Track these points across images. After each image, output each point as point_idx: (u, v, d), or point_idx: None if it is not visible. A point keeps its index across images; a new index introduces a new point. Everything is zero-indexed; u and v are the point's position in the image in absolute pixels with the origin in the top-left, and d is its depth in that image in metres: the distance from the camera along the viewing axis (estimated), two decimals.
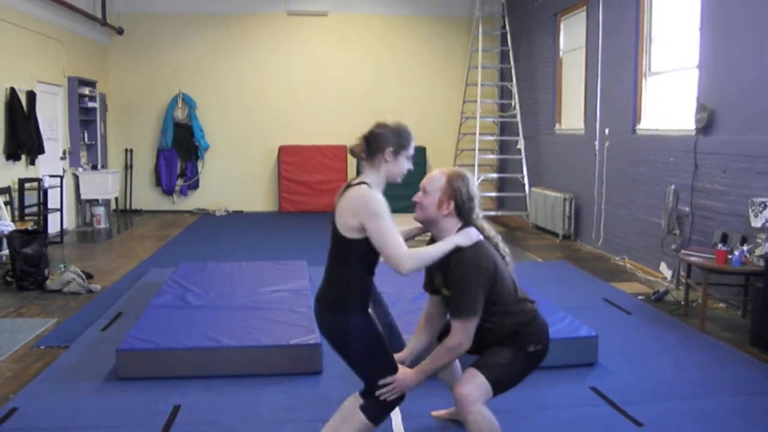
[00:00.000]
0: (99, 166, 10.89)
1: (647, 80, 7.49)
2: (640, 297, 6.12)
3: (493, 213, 11.05)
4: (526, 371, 2.85)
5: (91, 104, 10.57)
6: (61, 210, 9.10)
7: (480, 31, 11.32)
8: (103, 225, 10.29)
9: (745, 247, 5.12)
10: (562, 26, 9.93)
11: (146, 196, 12.27)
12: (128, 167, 12.08)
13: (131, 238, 9.40)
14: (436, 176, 2.81)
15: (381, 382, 2.70)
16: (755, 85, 5.52)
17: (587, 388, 3.94)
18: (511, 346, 2.80)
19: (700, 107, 6.12)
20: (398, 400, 2.77)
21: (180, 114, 12.07)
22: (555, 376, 4.07)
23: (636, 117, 7.58)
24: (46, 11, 9.18)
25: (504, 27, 11.68)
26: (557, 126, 9.92)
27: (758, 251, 5.02)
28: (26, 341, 4.79)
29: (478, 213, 2.83)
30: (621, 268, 7.50)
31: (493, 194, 11.90)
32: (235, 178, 12.27)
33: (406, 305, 4.76)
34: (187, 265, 6.33)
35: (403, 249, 2.55)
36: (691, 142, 6.27)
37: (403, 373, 2.74)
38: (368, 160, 2.71)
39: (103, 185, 10.38)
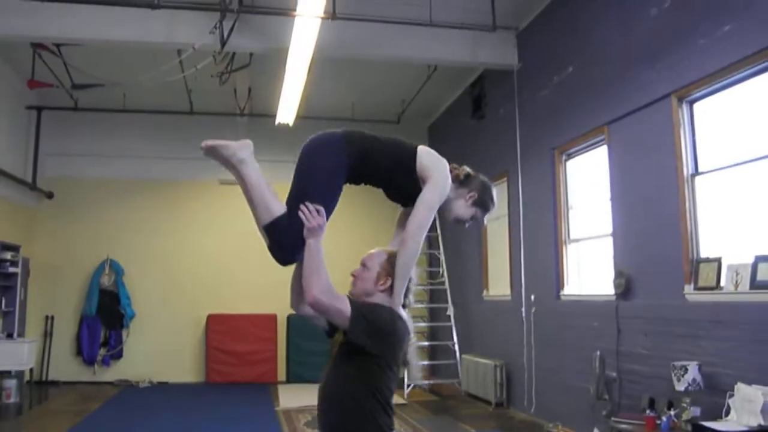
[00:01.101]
0: (15, 335, 10.36)
1: (568, 247, 7.84)
2: None
3: (426, 382, 10.90)
4: None
5: (12, 269, 10.21)
6: None
7: None
8: (12, 399, 9.52)
9: (672, 412, 5.16)
10: None
11: (65, 366, 11.61)
12: (48, 335, 11.54)
13: (44, 414, 8.79)
14: (377, 252, 2.87)
15: (313, 205, 2.78)
16: (663, 253, 5.86)
17: None
18: None
19: (618, 273, 6.41)
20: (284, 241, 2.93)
21: (107, 280, 11.79)
22: None
23: (559, 283, 7.83)
24: None
25: None
26: (485, 292, 10.11)
27: (684, 416, 5.07)
28: None
29: (411, 300, 2.85)
30: None
31: (425, 363, 11.71)
32: (161, 348, 11.80)
33: None
34: None
35: (422, 232, 2.74)
36: (612, 307, 6.49)
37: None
38: (455, 186, 2.89)
39: (17, 356, 9.75)
